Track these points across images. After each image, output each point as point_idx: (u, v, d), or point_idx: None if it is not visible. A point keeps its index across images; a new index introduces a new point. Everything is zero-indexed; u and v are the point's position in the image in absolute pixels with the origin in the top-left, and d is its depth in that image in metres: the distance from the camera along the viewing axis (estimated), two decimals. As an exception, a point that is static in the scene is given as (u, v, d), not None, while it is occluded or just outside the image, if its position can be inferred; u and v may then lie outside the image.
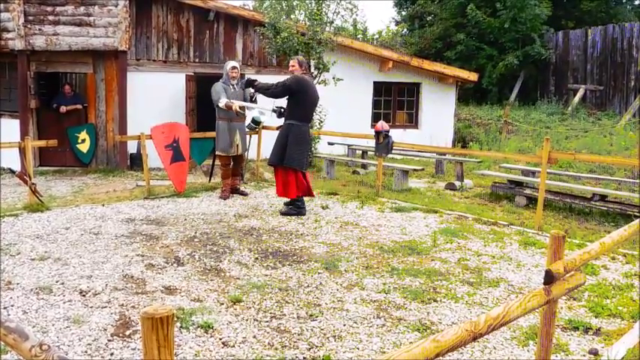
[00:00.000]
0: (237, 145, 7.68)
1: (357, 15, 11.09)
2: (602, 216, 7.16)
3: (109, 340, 3.35)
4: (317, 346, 3.34)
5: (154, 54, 11.17)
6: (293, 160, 6.63)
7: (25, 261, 4.79)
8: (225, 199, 7.58)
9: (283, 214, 6.76)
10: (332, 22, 10.81)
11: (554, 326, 2.70)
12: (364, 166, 11.15)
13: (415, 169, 9.19)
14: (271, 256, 5.09)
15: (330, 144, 11.48)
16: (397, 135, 10.50)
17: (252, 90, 7.27)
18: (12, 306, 3.82)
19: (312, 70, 10.32)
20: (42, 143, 7.81)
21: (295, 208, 6.77)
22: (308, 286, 4.35)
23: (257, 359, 3.17)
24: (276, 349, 3.30)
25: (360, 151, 11.65)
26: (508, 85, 18.84)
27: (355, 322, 3.69)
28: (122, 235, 5.68)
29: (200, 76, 11.46)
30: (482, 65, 18.31)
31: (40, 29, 10.43)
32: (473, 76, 13.72)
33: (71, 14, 10.51)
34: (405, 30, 23.47)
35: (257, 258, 5.03)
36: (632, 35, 15.84)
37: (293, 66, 6.77)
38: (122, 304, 3.89)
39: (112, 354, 3.19)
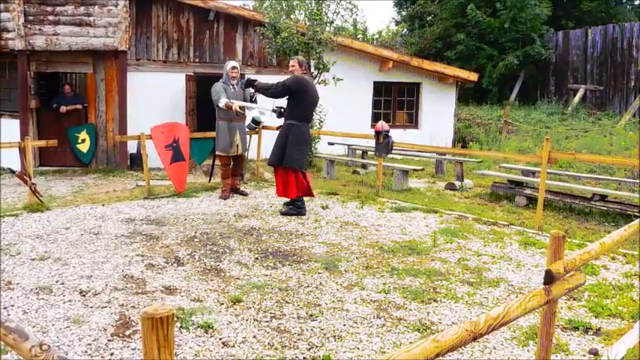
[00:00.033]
0: (237, 145, 7.68)
1: (357, 15, 11.10)
2: (602, 216, 7.16)
3: (109, 340, 3.35)
4: (317, 346, 3.34)
5: (154, 54, 11.17)
6: (293, 160, 6.63)
7: (25, 261, 4.79)
8: (225, 199, 7.58)
9: (283, 214, 6.76)
10: (332, 22, 10.81)
11: (554, 326, 2.70)
12: (364, 166, 11.15)
13: (415, 169, 9.19)
14: (271, 256, 5.09)
15: (330, 144, 11.48)
16: (397, 135, 10.50)
17: (252, 90, 7.27)
18: (12, 306, 3.82)
19: (312, 70, 10.32)
20: (42, 143, 7.81)
21: (295, 208, 6.78)
22: (308, 286, 4.35)
23: (257, 359, 3.17)
24: (276, 349, 3.30)
25: (360, 151, 11.65)
26: (508, 85, 18.84)
27: (355, 322, 3.69)
28: (122, 235, 5.68)
29: (200, 76, 11.46)
30: (483, 65, 18.31)
31: (40, 29, 10.43)
32: (473, 76, 13.72)
33: (71, 14, 10.51)
34: (405, 30, 23.48)
35: (257, 258, 5.03)
36: (632, 35, 15.84)
37: (293, 66, 6.77)
38: (122, 304, 3.89)
39: (112, 354, 3.19)
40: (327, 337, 3.46)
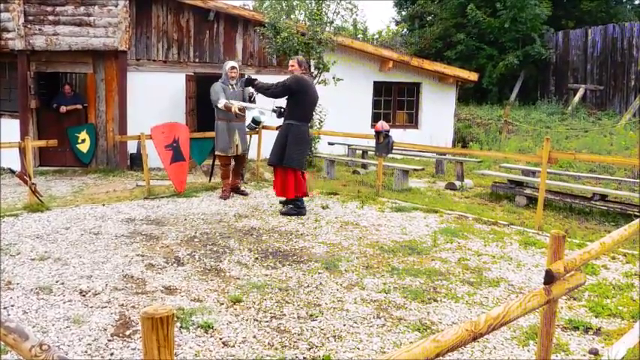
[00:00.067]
0: (237, 145, 7.68)
1: (357, 15, 11.09)
2: (603, 216, 7.16)
3: (109, 340, 3.35)
4: (317, 346, 3.34)
5: (154, 54, 11.17)
6: (293, 160, 6.63)
7: (25, 261, 4.79)
8: (225, 199, 7.58)
9: (283, 214, 6.76)
10: (332, 22, 10.81)
11: (554, 326, 2.70)
12: (364, 166, 11.15)
13: (415, 169, 9.19)
14: (271, 256, 5.09)
15: (331, 144, 11.48)
16: (397, 135, 10.50)
17: (251, 89, 7.26)
18: (12, 306, 3.82)
19: (312, 70, 10.31)
20: (42, 143, 7.81)
21: (295, 208, 6.78)
22: (308, 286, 4.35)
23: (257, 359, 3.17)
24: (276, 349, 3.30)
25: (360, 151, 11.65)
26: (508, 85, 18.84)
27: (355, 322, 3.69)
28: (122, 235, 5.68)
29: (200, 76, 11.46)
30: (483, 65, 18.30)
31: (40, 29, 10.43)
32: (473, 76, 13.72)
33: (71, 14, 10.51)
34: (405, 30, 23.47)
35: (257, 258, 5.03)
36: (632, 35, 15.84)
37: (292, 66, 6.78)
38: (122, 304, 3.89)
39: (112, 354, 3.19)
40: (327, 337, 3.46)
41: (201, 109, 11.50)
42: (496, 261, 5.10)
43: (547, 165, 6.20)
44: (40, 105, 10.91)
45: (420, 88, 13.56)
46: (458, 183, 9.26)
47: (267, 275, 4.57)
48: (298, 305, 3.95)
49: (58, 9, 10.47)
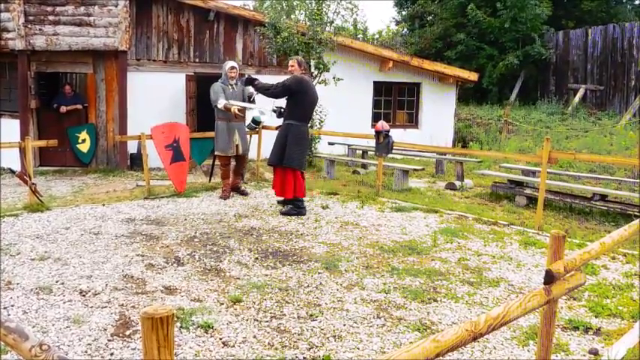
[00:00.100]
0: (238, 146, 7.68)
1: (357, 15, 11.08)
2: (603, 216, 7.16)
3: (109, 340, 3.35)
4: (317, 346, 3.34)
5: (154, 54, 11.17)
6: (293, 160, 6.64)
7: (25, 261, 4.79)
8: (225, 199, 7.58)
9: (283, 214, 6.76)
10: (332, 22, 10.80)
11: (554, 326, 2.70)
12: (364, 166, 11.15)
13: (415, 169, 9.19)
14: (271, 256, 5.09)
15: (331, 144, 11.48)
16: (397, 135, 10.50)
17: (251, 89, 7.26)
18: (12, 306, 3.82)
19: (313, 69, 10.32)
20: (42, 143, 7.81)
21: (295, 208, 6.78)
22: (308, 286, 4.35)
23: (257, 359, 3.17)
24: (276, 349, 3.30)
25: (361, 151, 11.65)
26: (508, 84, 18.84)
27: (355, 322, 3.69)
28: (122, 235, 5.68)
29: (200, 76, 11.46)
30: (483, 65, 18.31)
31: (40, 29, 10.43)
32: (473, 76, 13.72)
33: (71, 14, 10.51)
34: (405, 30, 23.48)
35: (257, 258, 5.03)
36: (632, 35, 15.84)
37: (292, 66, 6.78)
38: (122, 304, 3.89)
39: (112, 354, 3.19)
40: (327, 337, 3.46)
41: (201, 109, 11.50)
42: (496, 261, 5.10)
43: (547, 165, 6.20)
44: (40, 105, 10.91)
45: (420, 88, 13.56)
46: (458, 183, 9.26)
47: (267, 275, 4.57)
48: (298, 305, 3.95)
49: (58, 9, 10.47)
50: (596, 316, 3.88)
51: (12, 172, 7.54)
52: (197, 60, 11.42)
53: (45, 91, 11.37)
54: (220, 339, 3.40)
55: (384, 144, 7.93)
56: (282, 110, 6.81)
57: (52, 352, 1.58)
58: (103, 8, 10.58)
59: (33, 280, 4.31)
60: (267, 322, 3.66)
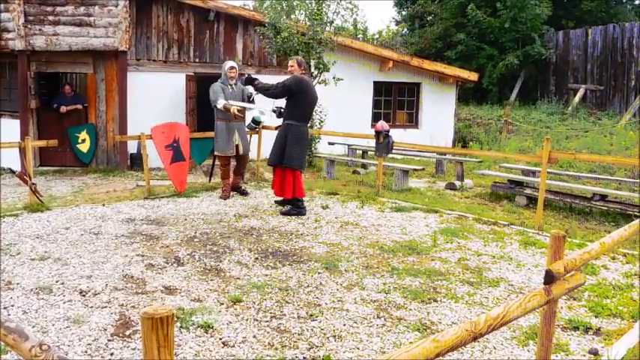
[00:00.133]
0: (238, 145, 7.67)
1: (357, 15, 11.07)
2: (603, 216, 7.16)
3: (109, 340, 3.35)
4: (317, 346, 3.34)
5: (154, 54, 11.17)
6: (293, 160, 6.64)
7: (25, 261, 4.79)
8: (225, 199, 7.58)
9: (283, 214, 6.76)
10: (332, 22, 10.80)
11: (554, 326, 2.70)
12: (364, 166, 11.15)
13: (415, 169, 9.19)
14: (271, 256, 5.09)
15: (331, 144, 11.48)
16: (397, 135, 10.50)
17: (251, 89, 7.26)
18: (12, 306, 3.82)
19: (313, 69, 10.32)
20: (42, 143, 7.81)
21: (295, 208, 6.78)
22: (308, 286, 4.35)
23: (257, 359, 3.17)
24: (276, 349, 3.30)
25: (361, 151, 11.66)
26: (508, 84, 18.84)
27: (355, 322, 3.69)
28: (122, 235, 5.68)
29: (200, 76, 11.46)
30: (483, 65, 18.31)
31: (40, 29, 10.43)
32: (473, 76, 13.72)
33: (71, 14, 10.51)
34: (405, 30, 23.48)
35: (257, 258, 5.03)
36: (632, 35, 15.84)
37: (292, 66, 6.78)
38: (122, 304, 3.89)
39: (112, 354, 3.19)
40: (327, 337, 3.46)
41: (201, 109, 11.50)
42: (496, 261, 5.10)
43: (547, 165, 6.20)
44: (40, 105, 10.92)
45: (420, 88, 13.56)
46: (458, 183, 9.26)
47: (267, 275, 4.57)
48: (298, 305, 3.95)
49: (58, 9, 10.47)
50: (596, 316, 3.88)
51: (12, 172, 7.54)
52: (197, 60, 11.42)
53: (45, 91, 11.37)
54: (220, 339, 3.40)
55: (384, 144, 7.93)
56: (282, 110, 6.81)
57: (52, 352, 1.58)
58: (103, 8, 10.58)
59: (33, 280, 4.32)
60: (267, 322, 3.66)
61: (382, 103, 13.47)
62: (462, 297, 4.18)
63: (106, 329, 3.49)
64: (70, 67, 10.96)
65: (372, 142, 8.44)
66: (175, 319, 3.46)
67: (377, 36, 22.31)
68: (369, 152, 11.43)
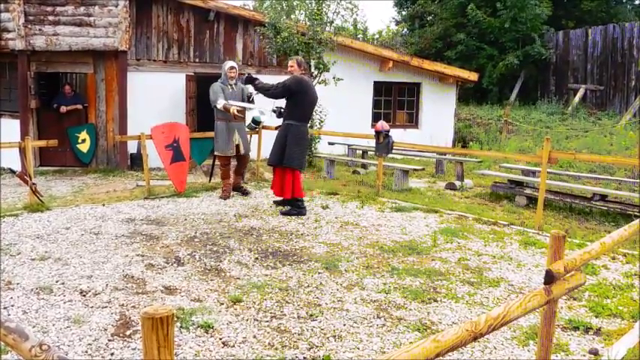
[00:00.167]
0: (238, 145, 7.67)
1: (357, 15, 11.08)
2: (603, 216, 7.16)
3: (110, 340, 3.35)
4: (317, 346, 3.34)
5: (154, 54, 11.17)
6: (293, 160, 6.64)
7: (26, 261, 4.79)
8: (225, 199, 7.58)
9: (284, 214, 6.76)
10: (332, 22, 10.81)
11: (554, 326, 2.70)
12: (364, 166, 11.15)
13: (415, 169, 9.19)
14: (271, 256, 5.09)
15: (331, 144, 11.48)
16: (397, 135, 10.50)
17: (251, 89, 7.25)
18: (12, 306, 3.82)
19: (313, 70, 10.32)
20: (42, 143, 7.81)
21: (295, 208, 6.78)
22: (308, 286, 4.35)
23: (257, 359, 3.17)
24: (277, 349, 3.30)
25: (361, 151, 11.66)
26: (508, 84, 18.84)
27: (355, 322, 3.69)
28: (122, 235, 5.68)
29: (200, 76, 11.46)
30: (483, 65, 18.31)
31: (40, 29, 10.43)
32: (473, 76, 13.72)
33: (71, 14, 10.51)
34: (405, 30, 23.48)
35: (257, 258, 5.03)
36: (632, 35, 15.85)
37: (292, 66, 6.78)
38: (122, 304, 3.89)
39: (112, 354, 3.19)
40: (327, 337, 3.46)
41: (201, 109, 11.50)
42: (496, 261, 5.10)
43: (547, 165, 6.20)
44: (41, 105, 10.92)
45: (420, 88, 13.56)
46: (458, 183, 9.26)
47: (267, 275, 4.57)
48: (298, 305, 3.95)
49: (58, 9, 10.47)
50: (596, 316, 3.88)
51: (12, 172, 7.54)
52: (197, 60, 11.42)
53: (45, 91, 11.37)
54: (220, 339, 3.40)
55: (384, 144, 7.93)
56: (282, 110, 6.81)
57: (52, 352, 1.58)
58: (103, 8, 10.58)
59: (33, 280, 4.32)
60: (267, 322, 3.67)
61: (382, 103, 13.47)
62: (462, 297, 4.18)
63: (106, 329, 3.49)
64: (70, 67, 10.96)
65: (372, 142, 8.44)
66: (175, 319, 3.46)
67: (377, 36, 22.31)
68: (369, 152, 11.43)
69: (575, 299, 4.18)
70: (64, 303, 3.90)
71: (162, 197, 7.68)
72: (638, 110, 14.78)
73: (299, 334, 3.49)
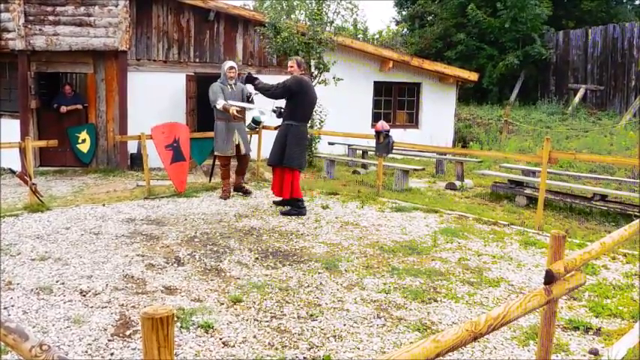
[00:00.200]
0: (238, 145, 7.66)
1: (357, 15, 11.08)
2: (603, 216, 7.16)
3: (110, 340, 3.35)
4: (317, 346, 3.34)
5: (154, 54, 11.17)
6: (293, 160, 6.64)
7: (26, 261, 4.79)
8: (225, 199, 7.58)
9: (284, 214, 6.76)
10: (332, 22, 10.81)
11: (554, 326, 2.70)
12: (364, 166, 11.15)
13: (415, 169, 9.19)
14: (271, 256, 5.09)
15: (331, 144, 11.48)
16: (397, 135, 10.50)
17: (251, 88, 7.25)
18: (12, 306, 3.82)
19: (313, 70, 10.32)
20: (42, 143, 7.82)
21: (295, 209, 6.78)
22: (308, 286, 4.35)
23: (257, 359, 3.17)
24: (277, 349, 3.30)
25: (361, 151, 11.66)
26: (508, 84, 18.84)
27: (355, 322, 3.69)
28: (122, 235, 5.68)
29: (200, 76, 11.46)
30: (483, 65, 18.31)
31: (40, 29, 10.43)
32: (473, 76, 13.72)
33: (71, 14, 10.52)
34: (406, 30, 23.48)
35: (257, 258, 5.03)
36: (632, 35, 15.84)
37: (291, 67, 6.78)
38: (122, 304, 3.89)
39: (112, 354, 3.19)
40: (328, 337, 3.46)
41: (201, 109, 11.51)
42: (496, 261, 5.10)
43: (547, 165, 6.20)
44: (41, 105, 10.92)
45: (421, 88, 13.56)
46: (458, 183, 9.26)
47: (267, 275, 4.57)
48: (298, 305, 3.95)
49: (59, 9, 10.48)
50: (596, 316, 3.88)
51: (12, 172, 7.53)
52: (197, 60, 11.42)
53: (45, 91, 11.37)
54: (220, 339, 3.40)
55: (384, 144, 7.93)
56: (282, 110, 6.81)
57: (52, 352, 1.58)
58: (103, 8, 10.58)
59: (33, 280, 4.32)
60: (267, 322, 3.66)
61: (382, 103, 13.47)
62: (462, 297, 4.18)
63: (106, 329, 3.49)
64: (70, 67, 10.96)
65: (372, 142, 8.44)
66: (175, 319, 3.46)
67: (377, 36, 22.29)
68: (369, 152, 11.42)
69: (575, 299, 4.18)
70: (64, 303, 3.90)
71: (163, 197, 7.68)
72: (638, 110, 14.78)
73: (299, 334, 3.49)
